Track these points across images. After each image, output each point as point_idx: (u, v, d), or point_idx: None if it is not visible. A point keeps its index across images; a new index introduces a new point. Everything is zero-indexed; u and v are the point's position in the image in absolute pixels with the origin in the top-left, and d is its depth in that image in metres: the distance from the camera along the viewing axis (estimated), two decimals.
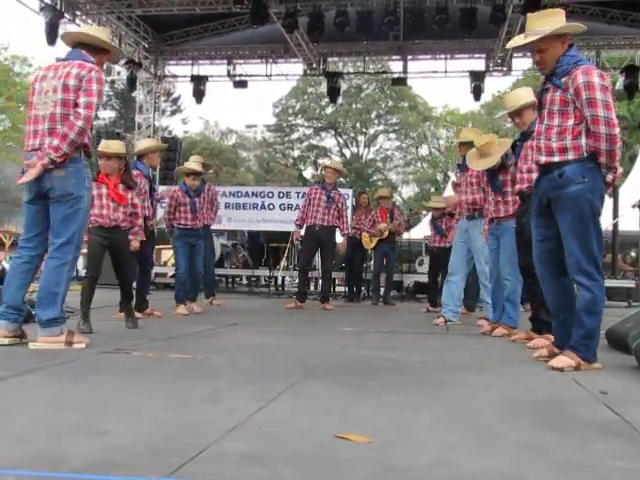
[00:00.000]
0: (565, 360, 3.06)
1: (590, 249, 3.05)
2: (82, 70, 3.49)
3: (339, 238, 8.03)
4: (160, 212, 7.62)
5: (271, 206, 11.46)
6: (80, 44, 3.68)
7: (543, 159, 3.21)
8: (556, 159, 3.13)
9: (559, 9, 3.28)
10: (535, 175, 4.01)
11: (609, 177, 3.03)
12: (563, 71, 3.11)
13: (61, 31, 12.20)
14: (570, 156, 3.09)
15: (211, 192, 7.72)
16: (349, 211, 10.45)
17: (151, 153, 5.81)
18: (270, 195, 11.60)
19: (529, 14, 3.35)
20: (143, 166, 5.78)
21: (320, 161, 39.95)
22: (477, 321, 5.93)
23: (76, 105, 3.45)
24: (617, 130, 2.97)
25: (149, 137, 14.14)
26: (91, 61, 3.61)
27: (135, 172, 5.74)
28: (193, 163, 6.87)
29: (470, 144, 5.46)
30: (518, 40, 3.40)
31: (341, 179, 38.90)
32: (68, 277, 3.53)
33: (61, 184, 3.46)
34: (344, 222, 7.71)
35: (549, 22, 3.18)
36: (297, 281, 7.99)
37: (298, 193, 11.66)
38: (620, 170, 3.12)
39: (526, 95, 4.32)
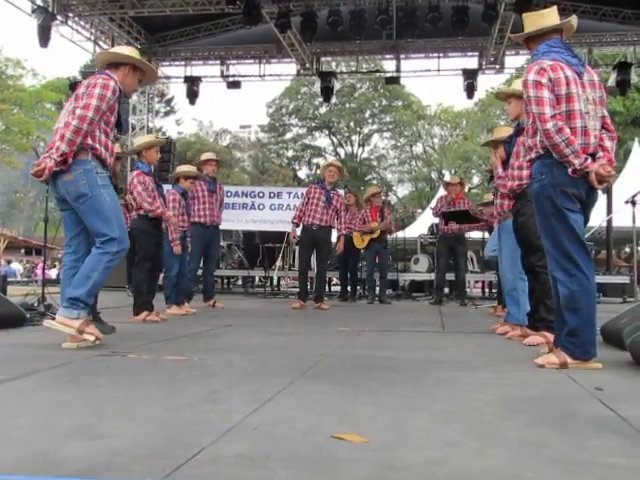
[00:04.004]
0: (549, 357, 3.08)
1: (561, 245, 3.00)
2: (92, 79, 3.67)
3: (334, 238, 8.02)
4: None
5: (261, 206, 11.40)
6: (106, 66, 3.86)
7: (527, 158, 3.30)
8: (528, 157, 3.22)
9: (554, 8, 3.28)
10: (525, 172, 4.02)
11: (569, 171, 2.97)
12: None
13: (53, 33, 12.18)
14: (533, 154, 3.13)
15: (222, 191, 7.72)
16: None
17: (146, 150, 5.73)
18: (261, 195, 11.54)
19: (524, 14, 3.37)
20: (143, 164, 5.71)
21: (315, 160, 39.96)
22: (487, 319, 5.99)
23: None
24: (549, 125, 2.92)
25: (148, 133, 14.05)
26: (107, 74, 3.73)
27: (136, 171, 5.75)
28: (188, 167, 6.92)
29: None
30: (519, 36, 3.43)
31: None
32: (106, 267, 3.58)
33: (73, 187, 3.57)
34: (341, 222, 7.70)
35: (538, 22, 3.24)
36: (298, 283, 7.96)
37: (289, 193, 11.61)
38: (576, 163, 2.92)
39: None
